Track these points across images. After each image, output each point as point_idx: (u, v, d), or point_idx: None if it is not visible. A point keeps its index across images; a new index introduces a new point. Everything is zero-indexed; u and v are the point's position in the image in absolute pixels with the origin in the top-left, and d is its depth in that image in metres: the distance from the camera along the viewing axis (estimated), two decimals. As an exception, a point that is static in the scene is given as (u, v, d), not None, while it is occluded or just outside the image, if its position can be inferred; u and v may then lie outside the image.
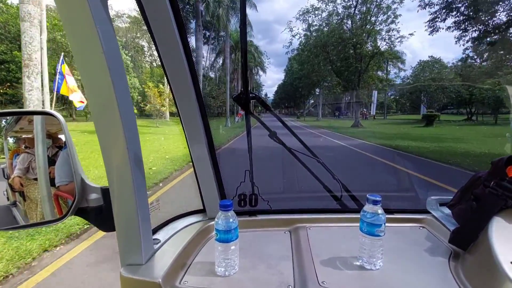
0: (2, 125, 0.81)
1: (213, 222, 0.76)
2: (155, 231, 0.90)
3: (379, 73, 24.55)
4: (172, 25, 0.69)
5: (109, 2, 0.57)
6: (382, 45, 21.88)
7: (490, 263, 0.61)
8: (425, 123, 19.17)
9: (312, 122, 29.35)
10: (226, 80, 25.73)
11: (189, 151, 0.93)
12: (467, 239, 0.75)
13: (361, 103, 23.43)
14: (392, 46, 21.65)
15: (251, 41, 35.35)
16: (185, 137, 0.90)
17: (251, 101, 0.94)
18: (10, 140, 0.82)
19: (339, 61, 23.22)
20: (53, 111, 0.72)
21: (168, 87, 0.82)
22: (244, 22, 0.84)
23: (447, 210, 0.97)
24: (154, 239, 0.81)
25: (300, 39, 24.71)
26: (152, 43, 0.73)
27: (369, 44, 22.12)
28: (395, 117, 36.81)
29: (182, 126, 0.88)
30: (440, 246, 0.85)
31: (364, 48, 21.84)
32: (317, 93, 41.09)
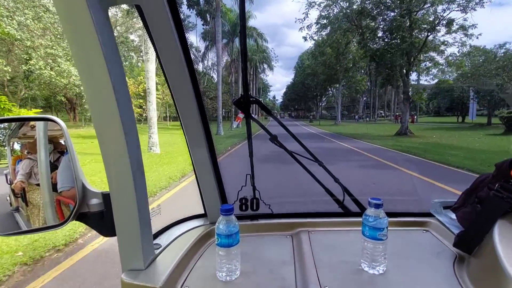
0: (5, 132, 0.81)
1: (214, 227, 0.76)
2: (156, 236, 0.89)
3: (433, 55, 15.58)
4: (171, 29, 0.69)
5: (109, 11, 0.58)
6: (449, 12, 13.47)
7: (495, 266, 0.60)
8: (504, 129, 13.70)
9: (331, 127, 23.20)
10: (218, 70, 19.27)
11: (190, 156, 0.93)
12: (472, 242, 0.73)
13: (410, 101, 15.44)
14: (467, 10, 13.12)
15: (254, 28, 28.92)
16: (186, 141, 0.91)
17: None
18: (13, 146, 0.82)
19: (380, 39, 15.26)
20: (54, 117, 0.72)
21: (170, 92, 0.82)
22: (243, 25, 0.84)
23: (451, 213, 0.96)
24: (155, 244, 0.81)
25: (320, 11, 16.17)
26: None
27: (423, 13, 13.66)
28: (428, 119, 30.66)
29: (183, 131, 0.88)
30: (445, 250, 0.83)
31: (424, 16, 13.74)
32: (332, 91, 34.45)
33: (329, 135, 16.33)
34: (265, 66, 38.59)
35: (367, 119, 39.12)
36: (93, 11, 0.51)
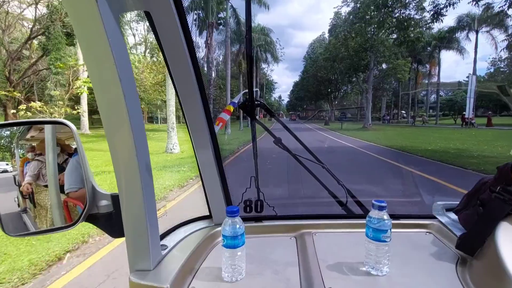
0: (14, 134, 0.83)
1: (219, 228, 0.77)
2: (162, 237, 0.90)
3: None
4: (179, 35, 0.71)
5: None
6: None
7: (497, 268, 0.61)
8: None
9: (369, 135, 15.27)
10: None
11: (196, 158, 0.94)
12: (474, 244, 0.74)
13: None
14: None
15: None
16: (192, 144, 0.92)
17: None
18: (22, 148, 0.84)
19: None
20: (64, 120, 0.74)
21: (177, 96, 0.83)
22: (249, 30, 0.85)
23: (453, 216, 0.97)
24: (161, 245, 0.82)
25: None
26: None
27: None
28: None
29: (189, 133, 0.90)
30: (447, 252, 0.84)
31: None
32: (358, 83, 25.18)
33: (395, 157, 8.73)
34: (269, 56, 29.45)
35: (412, 120, 28.74)
36: (105, 17, 0.52)
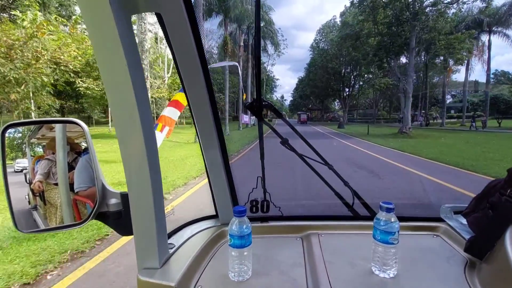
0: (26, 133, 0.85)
1: (226, 228, 0.77)
2: (169, 236, 0.91)
3: None
4: (189, 36, 0.71)
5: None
6: None
7: (507, 272, 0.60)
8: None
9: (437, 149, 9.70)
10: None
11: (203, 157, 0.95)
12: (483, 248, 0.73)
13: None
14: None
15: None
16: (199, 143, 0.93)
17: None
18: (33, 146, 0.85)
19: None
20: (76, 119, 0.75)
21: (185, 96, 0.84)
22: (258, 30, 0.85)
23: (461, 219, 0.96)
24: (169, 243, 0.83)
25: None
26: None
27: None
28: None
29: (197, 133, 0.91)
30: (455, 255, 0.84)
31: None
32: (393, 69, 17.94)
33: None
34: (269, 45, 24.32)
35: (473, 123, 19.98)
36: (117, 18, 0.53)
